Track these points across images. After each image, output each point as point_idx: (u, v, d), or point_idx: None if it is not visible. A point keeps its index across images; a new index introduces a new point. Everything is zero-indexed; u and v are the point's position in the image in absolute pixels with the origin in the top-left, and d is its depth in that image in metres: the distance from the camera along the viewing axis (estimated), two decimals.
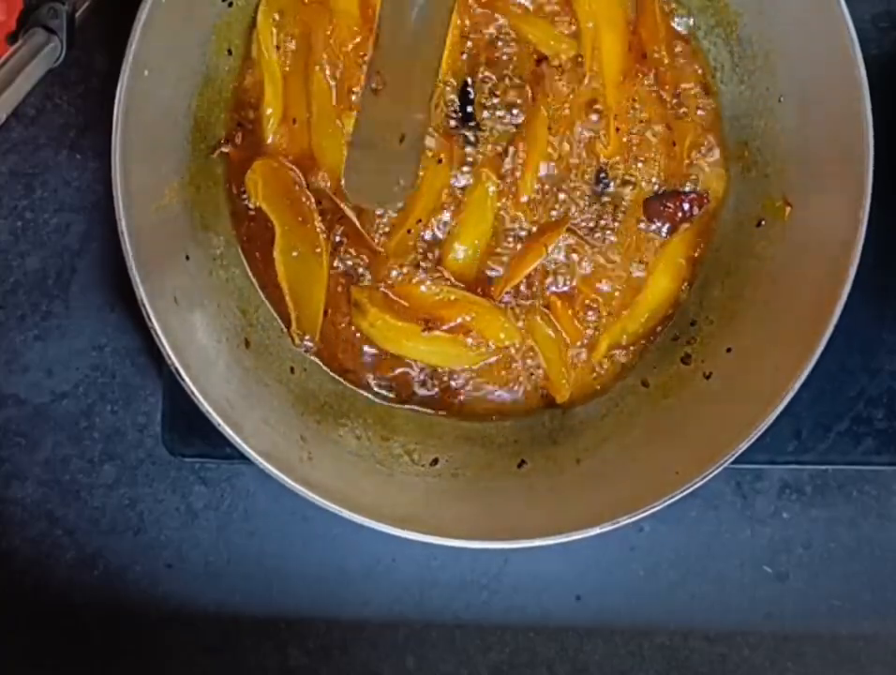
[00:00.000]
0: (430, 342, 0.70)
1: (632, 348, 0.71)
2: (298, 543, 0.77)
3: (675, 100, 0.70)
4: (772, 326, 0.65)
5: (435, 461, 0.68)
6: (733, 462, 0.61)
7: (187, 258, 0.65)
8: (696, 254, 0.71)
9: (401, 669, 0.78)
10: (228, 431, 0.60)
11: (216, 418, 0.59)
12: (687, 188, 0.71)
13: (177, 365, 0.59)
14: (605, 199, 0.70)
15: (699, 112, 0.71)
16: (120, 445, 0.77)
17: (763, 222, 0.68)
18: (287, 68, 0.69)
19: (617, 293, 0.71)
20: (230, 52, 0.67)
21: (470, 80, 0.69)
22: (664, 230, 0.71)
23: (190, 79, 0.65)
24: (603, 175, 0.70)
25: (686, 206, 0.70)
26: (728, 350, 0.67)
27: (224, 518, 0.77)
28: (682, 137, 0.70)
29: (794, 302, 0.64)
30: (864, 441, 0.74)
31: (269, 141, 0.69)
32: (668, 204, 0.70)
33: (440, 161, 0.69)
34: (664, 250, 0.71)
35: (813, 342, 0.61)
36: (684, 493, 0.60)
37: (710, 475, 0.61)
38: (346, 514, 0.60)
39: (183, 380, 0.59)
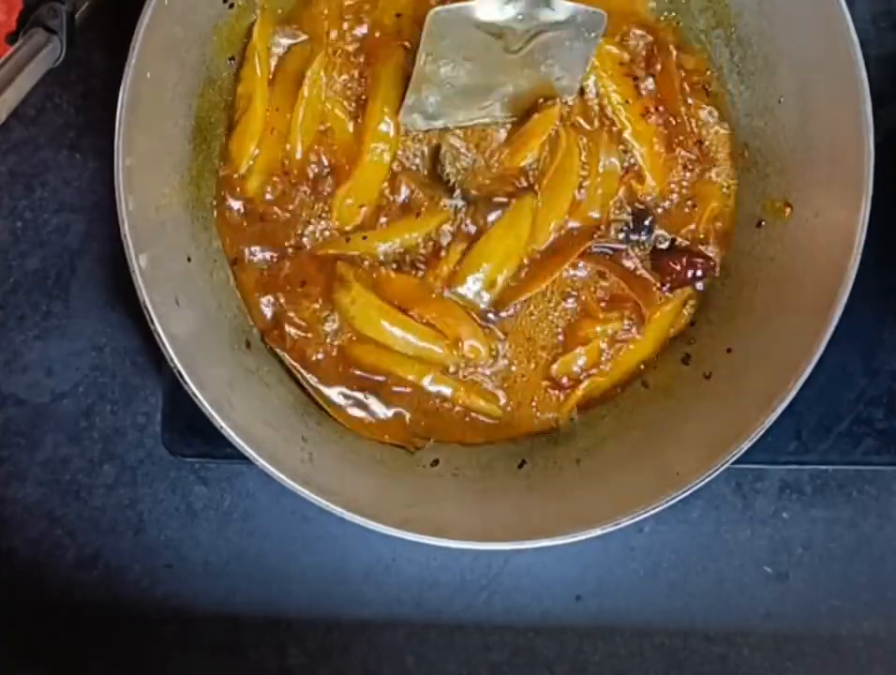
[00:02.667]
0: (407, 328, 0.68)
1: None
2: (298, 543, 0.77)
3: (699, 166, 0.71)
4: (773, 327, 0.65)
5: (435, 462, 0.68)
6: (733, 462, 0.61)
7: (189, 259, 0.65)
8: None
9: (401, 669, 0.78)
10: (230, 433, 0.59)
11: (218, 420, 0.59)
12: (705, 252, 0.70)
13: (179, 366, 0.59)
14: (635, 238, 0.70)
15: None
16: (120, 445, 0.77)
17: (763, 223, 0.68)
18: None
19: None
20: (232, 59, 0.68)
21: None
22: (665, 287, 0.70)
23: (191, 80, 0.65)
24: (644, 219, 0.70)
25: (691, 272, 0.69)
26: (728, 350, 0.67)
27: (224, 518, 0.77)
28: (706, 200, 0.70)
29: (794, 302, 0.64)
30: (864, 441, 0.74)
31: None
32: (677, 263, 0.69)
33: None
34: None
35: (813, 343, 0.60)
36: (685, 494, 0.60)
37: (711, 476, 0.61)
38: (347, 515, 0.60)
39: (185, 382, 0.59)
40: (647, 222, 0.70)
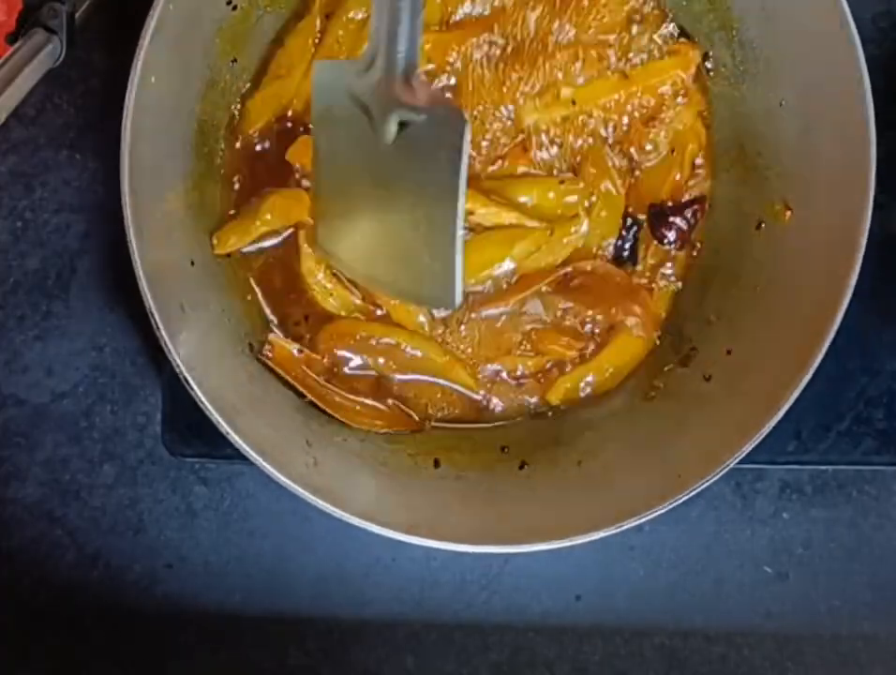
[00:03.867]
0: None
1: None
2: (298, 543, 0.77)
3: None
4: (773, 329, 0.65)
5: (437, 464, 0.68)
6: None
7: (192, 263, 0.65)
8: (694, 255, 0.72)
9: (401, 669, 0.78)
10: (236, 439, 0.59)
11: (224, 425, 0.59)
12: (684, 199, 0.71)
13: (185, 373, 0.58)
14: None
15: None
16: (120, 445, 0.77)
17: (763, 225, 0.68)
18: None
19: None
20: (234, 60, 0.68)
21: None
22: (674, 247, 0.71)
23: (194, 84, 0.65)
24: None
25: (691, 220, 0.70)
26: (728, 352, 0.67)
27: (224, 518, 0.77)
28: (682, 145, 0.71)
29: (794, 305, 0.64)
30: (864, 441, 0.74)
31: None
32: (673, 218, 0.70)
33: None
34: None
35: (814, 346, 0.60)
36: (686, 496, 0.60)
37: (713, 479, 0.61)
38: (354, 521, 0.60)
39: (191, 387, 0.59)
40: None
